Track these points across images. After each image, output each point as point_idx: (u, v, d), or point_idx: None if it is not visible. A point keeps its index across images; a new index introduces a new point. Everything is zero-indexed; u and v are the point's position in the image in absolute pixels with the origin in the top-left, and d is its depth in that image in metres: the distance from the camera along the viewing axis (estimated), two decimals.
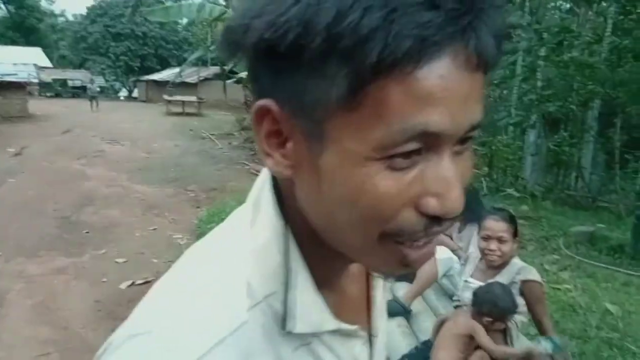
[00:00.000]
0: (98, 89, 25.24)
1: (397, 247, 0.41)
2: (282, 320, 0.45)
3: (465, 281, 2.52)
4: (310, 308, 0.46)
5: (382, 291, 0.60)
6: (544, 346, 2.12)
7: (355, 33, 0.33)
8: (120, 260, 5.03)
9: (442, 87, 0.35)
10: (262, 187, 0.49)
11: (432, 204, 0.38)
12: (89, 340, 3.46)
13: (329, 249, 0.45)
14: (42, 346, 3.35)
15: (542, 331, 2.35)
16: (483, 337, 2.15)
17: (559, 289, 4.11)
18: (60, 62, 41.12)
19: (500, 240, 2.39)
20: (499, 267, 2.44)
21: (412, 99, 0.35)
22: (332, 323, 0.47)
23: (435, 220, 0.39)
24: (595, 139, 10.14)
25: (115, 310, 3.91)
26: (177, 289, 0.46)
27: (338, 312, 0.49)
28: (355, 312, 0.54)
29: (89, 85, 24.25)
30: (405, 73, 0.34)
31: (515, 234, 2.47)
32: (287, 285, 0.45)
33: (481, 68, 0.37)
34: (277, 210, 0.46)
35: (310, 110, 0.38)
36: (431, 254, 0.43)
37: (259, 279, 0.45)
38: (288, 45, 0.36)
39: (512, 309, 2.21)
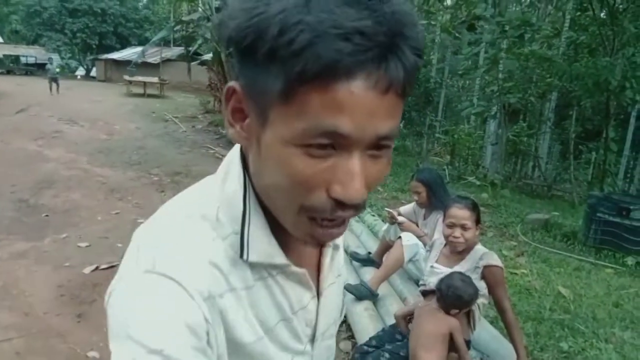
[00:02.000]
0: (58, 70, 21.78)
1: (310, 222, 0.51)
2: (240, 250, 0.55)
3: (431, 267, 2.62)
4: (263, 243, 0.56)
5: (330, 259, 0.69)
6: None
7: (290, 47, 0.43)
8: (82, 244, 4.92)
9: (351, 101, 0.44)
10: (232, 156, 0.60)
11: (337, 190, 0.48)
12: (53, 325, 3.39)
13: None
14: (4, 332, 3.26)
15: (501, 312, 2.48)
16: (459, 337, 2.26)
17: (516, 273, 4.31)
18: (12, 37, 39.05)
19: (463, 227, 2.50)
20: (462, 253, 2.55)
21: (327, 106, 0.45)
22: (281, 258, 0.58)
23: (340, 204, 0.49)
24: (551, 130, 10.54)
25: (79, 294, 3.84)
26: (162, 227, 0.57)
27: (295, 265, 0.60)
28: (308, 270, 0.63)
29: (48, 66, 20.35)
30: (323, 84, 0.44)
31: (478, 221, 2.58)
32: (244, 223, 0.56)
33: (392, 92, 0.46)
34: (242, 170, 0.58)
35: (259, 97, 0.49)
36: (338, 234, 0.54)
37: (227, 219, 0.56)
38: (246, 45, 0.46)
39: (475, 296, 2.33)
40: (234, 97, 0.52)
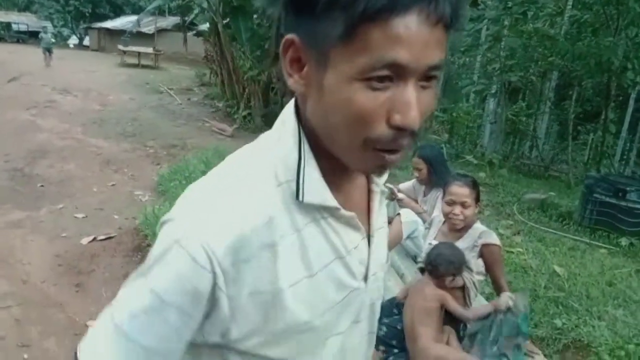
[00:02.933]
0: (53, 40, 20.42)
1: (374, 153, 0.57)
2: (296, 193, 0.60)
3: (430, 244, 2.61)
4: (316, 186, 0.61)
5: (379, 203, 0.74)
6: (505, 300, 2.27)
7: None
8: (79, 215, 4.90)
9: (407, 33, 0.50)
10: (286, 115, 0.65)
11: (397, 118, 0.53)
12: (51, 295, 3.39)
13: (334, 156, 0.61)
14: (2, 299, 3.26)
15: (498, 290, 2.49)
16: (452, 304, 2.27)
17: (512, 252, 4.33)
18: (3, 4, 38.08)
19: (463, 205, 2.49)
20: (461, 231, 2.55)
21: (386, 40, 0.50)
22: (333, 201, 0.62)
23: (400, 131, 0.54)
24: (551, 110, 10.51)
25: (77, 265, 3.84)
26: (221, 179, 0.63)
27: (344, 208, 0.64)
28: (357, 213, 0.68)
29: (42, 35, 19.33)
30: (382, 21, 0.50)
31: (477, 199, 2.58)
32: (299, 169, 0.61)
33: (440, 24, 0.52)
34: (297, 123, 0.63)
35: (320, 43, 0.54)
36: (398, 160, 0.59)
37: (282, 169, 0.61)
38: None
39: (464, 260, 2.34)
40: (291, 49, 0.57)
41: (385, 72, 0.51)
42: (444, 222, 2.64)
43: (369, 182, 0.74)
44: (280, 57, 0.58)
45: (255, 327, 0.60)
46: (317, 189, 0.61)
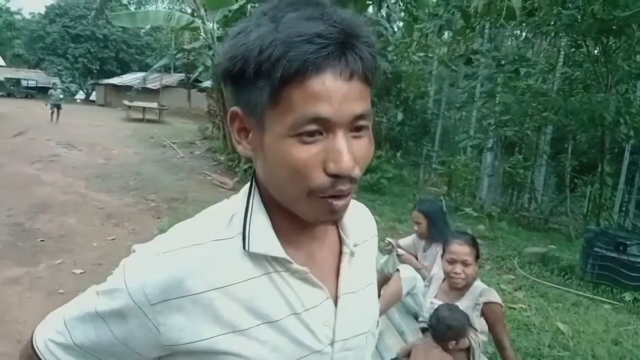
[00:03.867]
0: (62, 96, 19.80)
1: (323, 200, 0.60)
2: (242, 243, 0.65)
3: (431, 302, 2.60)
4: (263, 237, 0.65)
5: (348, 264, 0.74)
6: None
7: (269, 60, 0.55)
8: (77, 271, 4.87)
9: (324, 90, 0.56)
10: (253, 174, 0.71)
11: (331, 166, 0.58)
12: None
13: (292, 215, 0.64)
14: None
15: (501, 350, 2.45)
16: None
17: (514, 308, 4.27)
18: (14, 61, 39.39)
19: (464, 263, 2.49)
20: (462, 289, 2.54)
21: (306, 98, 0.56)
22: (280, 252, 0.65)
23: (337, 178, 0.58)
24: (547, 162, 10.62)
25: None
26: (184, 226, 0.69)
27: (304, 266, 0.66)
28: (323, 274, 0.70)
29: (51, 92, 18.73)
30: (299, 82, 0.56)
31: (477, 256, 2.58)
32: (245, 220, 0.66)
33: (354, 78, 0.58)
34: (253, 182, 0.69)
35: (255, 110, 0.60)
36: (345, 205, 0.63)
37: (237, 222, 0.66)
38: (236, 70, 0.59)
39: (466, 323, 2.31)
40: (237, 119, 0.64)
41: (312, 127, 0.57)
42: (444, 280, 2.63)
43: (341, 244, 0.74)
44: (229, 127, 0.65)
45: None
46: (263, 239, 0.65)
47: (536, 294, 4.91)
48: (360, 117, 0.59)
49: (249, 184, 0.70)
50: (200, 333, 0.63)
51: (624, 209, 10.12)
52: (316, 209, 0.61)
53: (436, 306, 2.52)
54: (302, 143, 0.57)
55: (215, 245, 0.65)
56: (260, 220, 0.66)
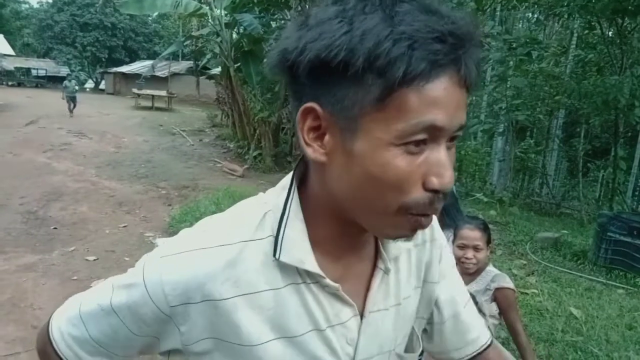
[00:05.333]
0: (77, 88, 17.77)
1: (411, 217, 0.55)
2: (274, 250, 0.59)
3: None
4: (296, 247, 0.59)
5: (381, 281, 0.68)
6: None
7: (388, 56, 0.48)
8: (90, 258, 4.92)
9: (444, 96, 0.50)
10: (288, 176, 0.64)
11: (434, 181, 0.53)
12: None
13: (343, 224, 0.60)
14: (10, 345, 3.25)
15: (514, 335, 2.43)
16: None
17: (527, 293, 4.25)
18: (23, 50, 39.61)
19: (476, 248, 2.47)
20: (473, 274, 2.52)
21: (424, 103, 0.50)
22: (312, 266, 0.60)
23: (436, 194, 0.54)
24: (559, 147, 10.50)
25: None
26: (209, 225, 0.64)
27: (337, 280, 0.62)
28: (355, 288, 0.66)
29: (66, 83, 17.06)
30: (420, 85, 0.49)
31: (488, 241, 2.55)
32: (280, 225, 0.60)
33: (465, 87, 0.53)
34: (293, 185, 0.62)
35: (349, 110, 0.52)
36: (429, 223, 0.57)
37: (270, 223, 0.61)
38: (338, 62, 0.50)
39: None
40: (309, 117, 0.55)
41: (423, 136, 0.51)
42: (456, 265, 2.61)
43: (377, 257, 0.69)
44: (297, 126, 0.56)
45: None
46: (297, 249, 0.60)
47: (549, 279, 4.88)
48: (462, 127, 0.55)
49: (288, 180, 0.64)
50: (221, 335, 0.61)
51: (637, 193, 10.00)
52: (400, 225, 0.56)
53: None
54: (408, 153, 0.52)
55: (244, 247, 0.60)
56: (297, 227, 0.60)
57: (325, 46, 0.50)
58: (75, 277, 4.42)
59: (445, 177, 0.53)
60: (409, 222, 0.55)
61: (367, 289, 0.67)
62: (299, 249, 0.60)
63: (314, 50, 0.51)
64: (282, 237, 0.59)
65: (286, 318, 0.60)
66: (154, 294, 0.59)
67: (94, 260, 4.88)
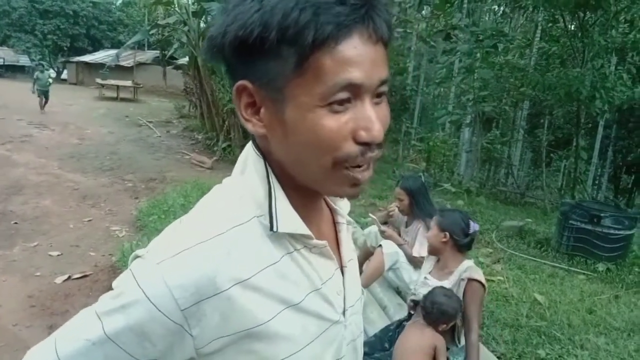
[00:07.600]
0: (51, 80, 15.52)
1: (347, 171, 0.59)
2: (270, 225, 0.61)
3: (425, 278, 2.63)
4: (289, 216, 0.63)
5: (346, 232, 0.77)
6: None
7: (297, 25, 0.52)
8: (54, 253, 4.77)
9: (356, 54, 0.54)
10: (245, 154, 0.67)
11: (362, 134, 0.56)
12: (23, 337, 3.27)
13: (302, 189, 0.63)
14: None
15: (466, 330, 2.34)
16: (442, 358, 2.29)
17: (493, 280, 4.36)
18: None
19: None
20: (450, 266, 2.56)
21: (338, 64, 0.53)
22: (306, 229, 0.64)
23: (367, 146, 0.57)
24: (524, 137, 10.77)
25: (51, 305, 3.72)
26: (192, 222, 0.63)
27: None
28: (330, 245, 0.70)
29: (37, 74, 15.20)
30: (331, 47, 0.53)
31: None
32: (270, 201, 0.62)
33: (380, 42, 0.56)
34: (262, 160, 0.64)
35: (274, 82, 0.56)
36: (369, 175, 0.61)
37: (252, 205, 0.63)
38: (254, 38, 0.53)
39: (459, 309, 2.35)
40: (244, 94, 0.59)
41: (344, 95, 0.54)
42: (439, 260, 2.65)
43: (334, 214, 0.76)
44: (235, 104, 0.60)
45: None
46: (290, 218, 0.63)
47: (514, 266, 5.02)
48: (384, 82, 0.58)
49: (245, 163, 0.66)
50: (233, 328, 0.59)
51: (597, 182, 10.38)
52: (341, 181, 0.60)
53: (429, 282, 2.55)
54: (333, 112, 0.55)
55: (237, 232, 0.60)
56: (283, 200, 0.63)
57: (240, 26, 0.54)
58: (38, 273, 4.28)
59: (373, 130, 0.56)
60: (347, 177, 0.59)
61: (337, 245, 0.75)
62: (291, 217, 0.63)
63: (232, 32, 0.55)
64: (276, 211, 0.62)
65: (288, 287, 0.63)
66: (161, 304, 0.56)
67: (58, 255, 4.73)
